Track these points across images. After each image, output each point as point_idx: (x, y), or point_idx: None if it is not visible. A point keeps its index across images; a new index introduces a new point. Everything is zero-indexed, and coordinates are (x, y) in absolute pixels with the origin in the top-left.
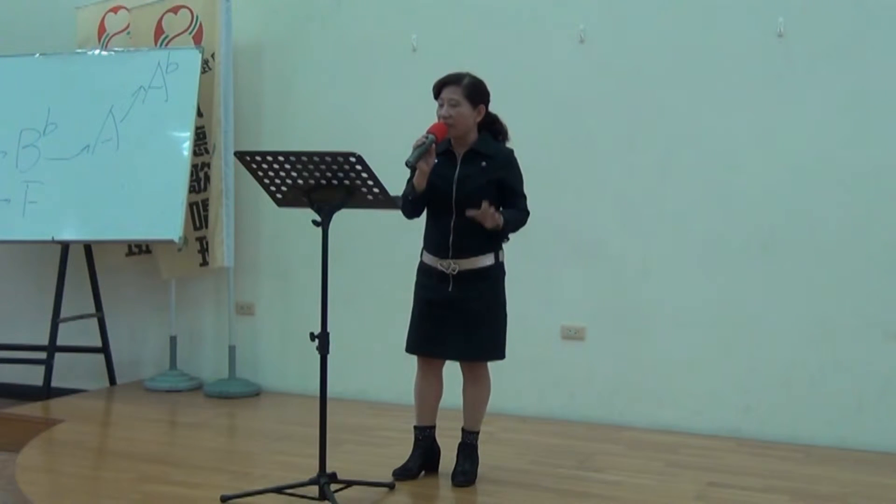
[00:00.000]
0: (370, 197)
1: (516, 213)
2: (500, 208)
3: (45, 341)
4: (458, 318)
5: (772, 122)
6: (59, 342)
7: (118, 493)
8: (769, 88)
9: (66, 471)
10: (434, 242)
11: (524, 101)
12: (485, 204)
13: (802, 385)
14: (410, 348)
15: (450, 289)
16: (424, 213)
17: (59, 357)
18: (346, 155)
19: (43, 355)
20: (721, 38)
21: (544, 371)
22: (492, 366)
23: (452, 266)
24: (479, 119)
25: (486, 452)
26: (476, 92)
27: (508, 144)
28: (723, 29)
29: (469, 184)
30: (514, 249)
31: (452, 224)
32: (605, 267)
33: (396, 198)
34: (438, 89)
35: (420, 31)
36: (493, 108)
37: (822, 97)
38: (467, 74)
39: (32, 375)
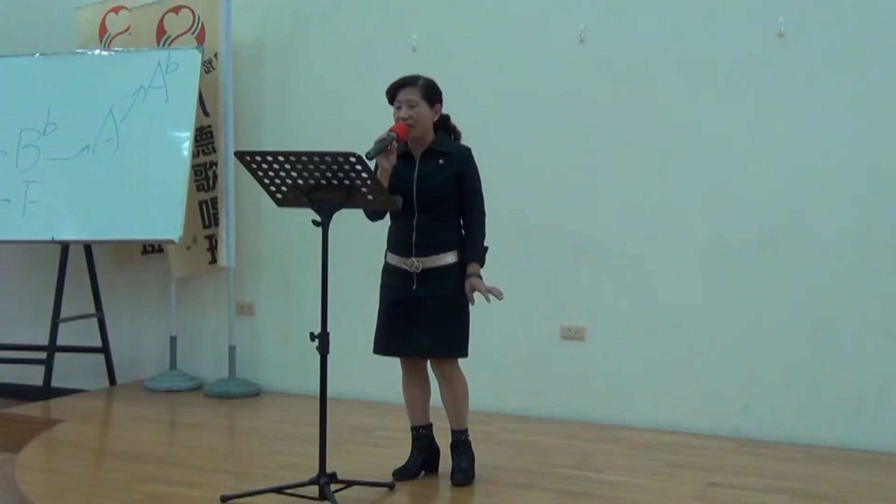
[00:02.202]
0: (370, 197)
1: (478, 232)
2: (462, 209)
3: (45, 341)
4: (423, 317)
5: (772, 122)
6: (59, 342)
7: (118, 493)
8: (769, 88)
9: (66, 471)
10: (397, 242)
11: (524, 101)
12: (473, 298)
13: (802, 385)
14: (377, 349)
15: (414, 287)
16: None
17: (59, 357)
18: (346, 155)
19: (43, 355)
20: (721, 38)
21: (544, 371)
22: (492, 366)
23: (416, 264)
24: (435, 118)
25: (486, 452)
26: (432, 92)
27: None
28: (723, 29)
29: (429, 182)
30: (514, 249)
31: (415, 223)
32: (604, 267)
33: (396, 197)
34: (393, 92)
35: (420, 31)
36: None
37: (822, 97)
38: (420, 76)
39: (32, 375)
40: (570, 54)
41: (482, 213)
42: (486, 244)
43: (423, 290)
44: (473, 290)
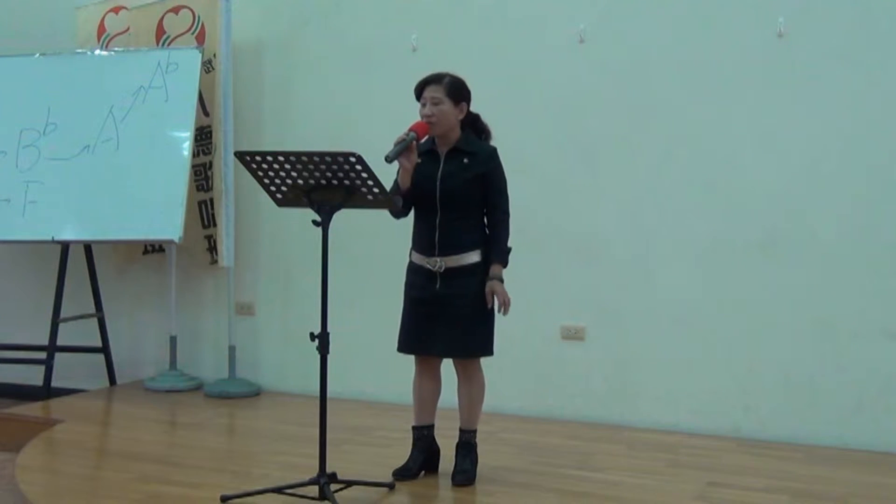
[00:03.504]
0: (370, 197)
1: (501, 234)
2: (485, 209)
3: (45, 341)
4: (447, 316)
5: (772, 122)
6: (59, 342)
7: (118, 493)
8: (769, 88)
9: (66, 471)
10: (421, 241)
11: (524, 101)
12: (492, 302)
13: (802, 385)
14: (401, 347)
15: (437, 286)
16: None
17: (59, 357)
18: (346, 155)
19: (43, 355)
20: (721, 38)
21: (544, 371)
22: (492, 366)
23: (439, 264)
24: (461, 117)
25: (485, 452)
26: (457, 90)
27: (495, 143)
28: (723, 29)
29: (452, 181)
30: (515, 249)
31: (437, 222)
32: (605, 267)
33: (396, 198)
34: (420, 89)
35: (420, 31)
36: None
37: (822, 97)
38: (448, 74)
39: (32, 375)
40: (570, 54)
41: (506, 214)
42: (510, 245)
43: (447, 289)
44: (492, 292)
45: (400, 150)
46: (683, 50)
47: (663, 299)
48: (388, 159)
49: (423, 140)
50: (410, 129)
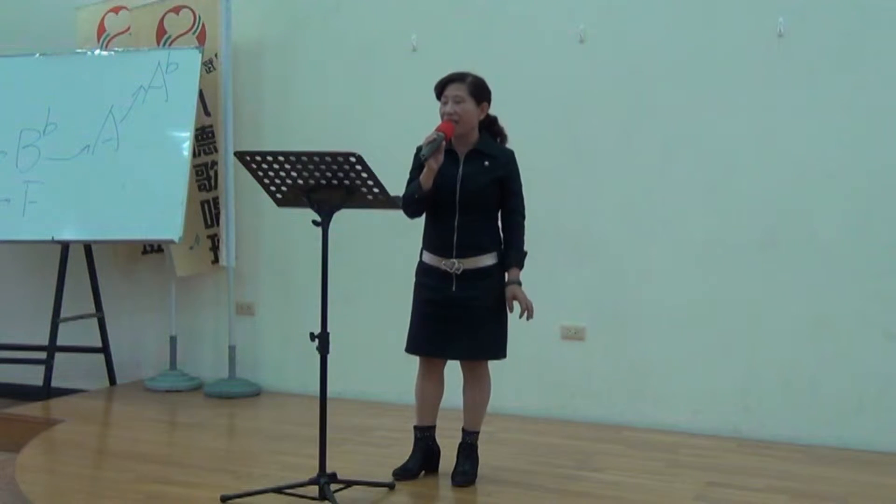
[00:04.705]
0: (370, 197)
1: (518, 237)
2: (500, 209)
3: (45, 341)
4: (461, 318)
5: (772, 122)
6: (59, 342)
7: (118, 493)
8: (769, 88)
9: (66, 471)
10: (436, 242)
11: (524, 101)
12: (513, 307)
13: (802, 385)
14: (412, 349)
15: (453, 288)
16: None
17: (59, 357)
18: (346, 155)
19: (43, 355)
20: (721, 38)
21: (544, 371)
22: (492, 366)
23: (456, 265)
24: (482, 117)
25: (486, 452)
26: (480, 90)
27: (507, 145)
28: (723, 29)
29: (472, 183)
30: None
31: (456, 223)
32: (605, 267)
33: (396, 198)
34: (442, 87)
35: (420, 31)
36: (493, 107)
37: (822, 97)
38: (470, 73)
39: (32, 375)
40: (570, 54)
41: (523, 217)
42: (525, 248)
43: (462, 292)
44: (514, 298)
45: (433, 149)
46: (683, 50)
47: (663, 299)
48: (424, 157)
49: (448, 140)
50: (438, 130)
